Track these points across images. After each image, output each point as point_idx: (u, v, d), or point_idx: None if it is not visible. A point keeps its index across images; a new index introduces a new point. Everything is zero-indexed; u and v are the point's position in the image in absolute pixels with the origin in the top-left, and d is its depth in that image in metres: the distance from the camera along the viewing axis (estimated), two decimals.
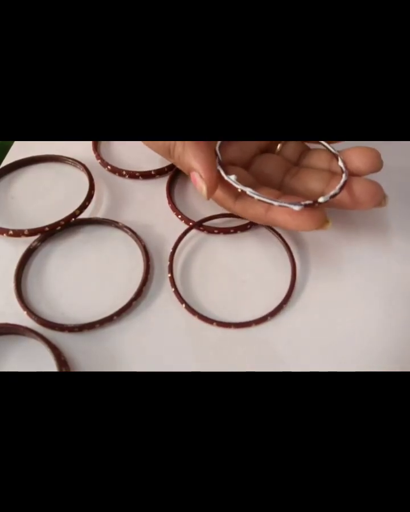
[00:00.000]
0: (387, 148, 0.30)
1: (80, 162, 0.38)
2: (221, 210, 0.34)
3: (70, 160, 0.38)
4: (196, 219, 0.35)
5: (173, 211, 0.36)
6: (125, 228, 0.34)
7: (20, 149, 0.40)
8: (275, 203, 0.28)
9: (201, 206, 0.37)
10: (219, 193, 0.31)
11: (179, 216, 0.36)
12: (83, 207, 0.34)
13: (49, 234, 0.34)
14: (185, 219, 0.35)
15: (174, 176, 0.38)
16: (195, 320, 0.31)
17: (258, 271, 0.33)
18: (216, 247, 0.34)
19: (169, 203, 0.36)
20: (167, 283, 0.32)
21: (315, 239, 0.35)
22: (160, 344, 0.30)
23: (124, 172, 0.38)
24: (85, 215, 0.35)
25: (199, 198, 0.37)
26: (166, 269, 0.33)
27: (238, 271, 0.33)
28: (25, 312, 0.30)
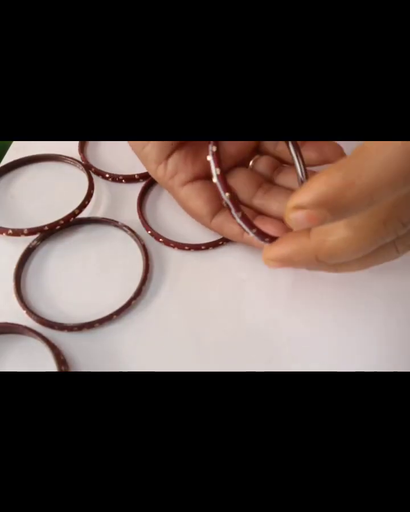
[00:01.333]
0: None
1: (79, 162, 0.38)
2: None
3: (69, 159, 0.38)
4: (168, 232, 0.35)
5: (144, 226, 0.35)
6: (124, 228, 0.34)
7: (19, 149, 0.40)
8: (251, 233, 0.25)
9: (174, 218, 0.36)
10: (197, 207, 0.31)
11: (149, 231, 0.34)
12: (82, 206, 0.34)
13: (48, 233, 0.34)
14: (155, 235, 0.34)
15: (146, 188, 0.37)
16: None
17: (256, 272, 0.33)
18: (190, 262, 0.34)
19: (139, 217, 0.35)
20: (167, 282, 0.32)
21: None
22: (159, 343, 0.30)
23: (107, 175, 0.38)
24: (84, 214, 0.35)
25: (172, 210, 0.36)
26: (166, 268, 0.33)
27: (238, 272, 0.33)
28: (24, 311, 0.30)
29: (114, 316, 0.30)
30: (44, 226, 0.33)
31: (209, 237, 0.34)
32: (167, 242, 0.34)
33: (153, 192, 0.37)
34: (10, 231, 0.33)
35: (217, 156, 0.25)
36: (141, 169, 0.38)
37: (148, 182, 0.37)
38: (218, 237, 0.34)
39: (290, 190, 0.31)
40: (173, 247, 0.34)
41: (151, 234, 0.34)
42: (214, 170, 0.24)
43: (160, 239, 0.34)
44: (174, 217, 0.36)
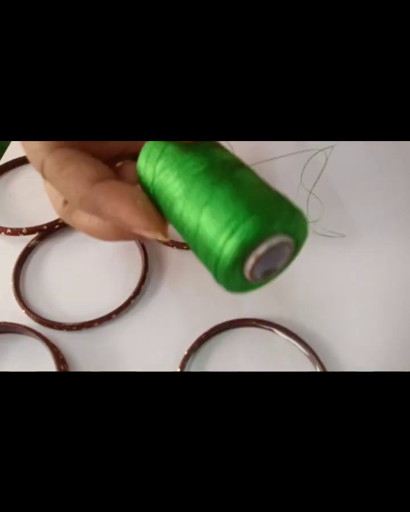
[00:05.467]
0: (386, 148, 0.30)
1: None
2: None
3: None
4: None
5: None
6: None
7: (18, 148, 0.40)
8: None
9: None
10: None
11: None
12: None
13: (47, 232, 0.34)
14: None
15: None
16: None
17: None
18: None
19: None
20: (166, 281, 0.32)
21: (311, 231, 0.35)
22: (159, 342, 0.30)
23: None
24: None
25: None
26: (165, 267, 0.33)
27: None
28: (23, 311, 0.30)
29: (113, 315, 0.30)
30: (43, 225, 0.33)
31: None
32: (166, 241, 0.34)
33: None
34: (9, 231, 0.33)
35: None
36: None
37: None
38: None
39: None
40: (172, 246, 0.34)
41: None
42: None
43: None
44: None
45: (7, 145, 0.40)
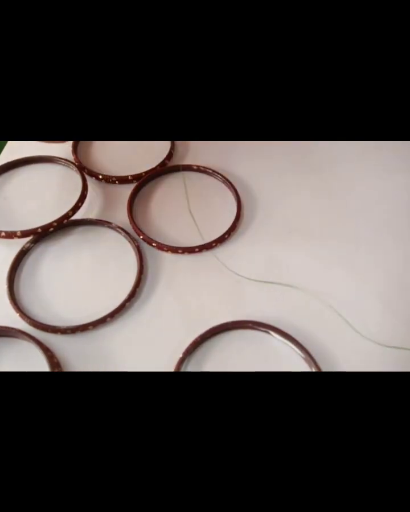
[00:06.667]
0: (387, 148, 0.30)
1: (72, 163, 0.37)
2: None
3: (63, 161, 0.38)
4: (161, 233, 0.34)
5: (136, 231, 0.34)
6: (118, 229, 0.34)
7: (12, 151, 0.40)
8: None
9: (168, 219, 0.36)
10: None
11: (141, 236, 0.34)
12: (76, 208, 0.34)
13: (42, 235, 0.34)
14: (148, 240, 0.34)
15: (137, 190, 0.37)
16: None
17: (251, 273, 0.33)
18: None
19: (131, 222, 0.35)
20: (161, 283, 0.32)
21: (307, 232, 0.34)
22: (154, 345, 0.30)
23: (100, 176, 0.38)
24: (78, 216, 0.34)
25: (165, 211, 0.36)
26: (160, 269, 0.33)
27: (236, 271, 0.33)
28: (18, 314, 0.30)
29: (108, 319, 0.30)
30: (38, 228, 0.33)
31: (203, 239, 0.34)
32: (161, 246, 0.33)
33: (144, 194, 0.37)
34: (3, 234, 0.32)
35: None
36: (134, 170, 0.38)
37: (139, 183, 0.37)
38: (212, 239, 0.34)
39: None
40: (167, 251, 0.33)
41: (144, 239, 0.34)
42: None
43: (154, 244, 0.34)
44: (167, 217, 0.36)
45: (2, 147, 0.40)
